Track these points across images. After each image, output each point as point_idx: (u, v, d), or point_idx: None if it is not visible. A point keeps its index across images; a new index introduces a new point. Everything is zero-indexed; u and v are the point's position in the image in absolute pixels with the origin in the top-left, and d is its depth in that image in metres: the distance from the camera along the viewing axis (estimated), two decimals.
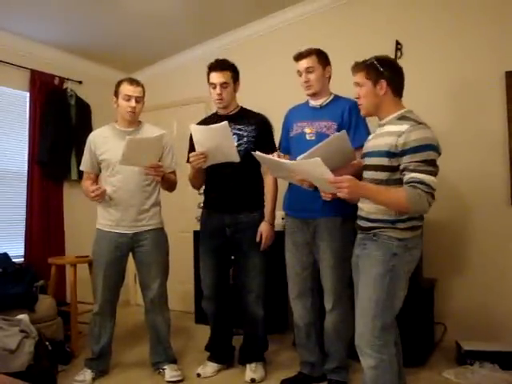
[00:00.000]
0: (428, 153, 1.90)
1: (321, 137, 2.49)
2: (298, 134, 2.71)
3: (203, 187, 3.10)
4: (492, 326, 3.28)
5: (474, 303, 3.38)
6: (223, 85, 2.85)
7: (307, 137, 2.64)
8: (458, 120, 3.49)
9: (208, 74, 2.90)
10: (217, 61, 2.91)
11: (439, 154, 1.98)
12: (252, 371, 2.92)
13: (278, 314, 3.91)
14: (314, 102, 2.74)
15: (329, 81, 2.74)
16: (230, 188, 2.89)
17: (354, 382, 2.79)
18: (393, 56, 3.63)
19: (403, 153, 1.92)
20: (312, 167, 2.03)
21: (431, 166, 1.90)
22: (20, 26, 3.94)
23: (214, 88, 2.87)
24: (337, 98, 2.72)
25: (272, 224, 2.92)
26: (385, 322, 1.98)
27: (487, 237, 3.37)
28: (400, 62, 3.51)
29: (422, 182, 1.87)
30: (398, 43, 3.69)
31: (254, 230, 2.88)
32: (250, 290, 2.93)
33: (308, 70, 2.63)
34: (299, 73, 2.68)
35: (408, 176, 1.90)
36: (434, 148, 1.93)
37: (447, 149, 3.21)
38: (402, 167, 1.94)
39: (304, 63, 2.64)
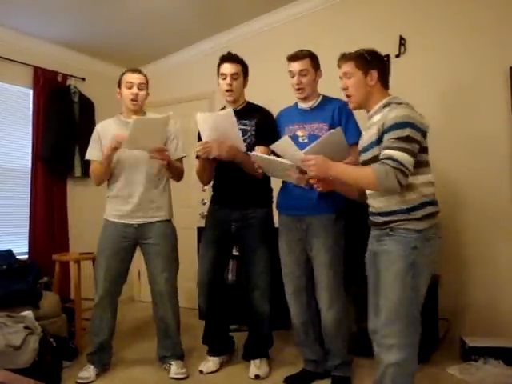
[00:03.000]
0: (403, 130, 1.86)
1: (313, 138, 2.48)
2: (290, 138, 2.70)
3: (211, 183, 3.09)
4: (496, 322, 3.28)
5: (478, 299, 3.37)
6: (234, 75, 2.85)
7: (300, 139, 2.65)
8: (460, 116, 3.47)
9: (219, 66, 2.90)
10: (229, 53, 2.92)
11: (421, 132, 1.92)
12: (256, 367, 2.93)
13: (282, 310, 3.89)
14: (303, 105, 2.75)
15: (317, 84, 2.75)
16: (238, 183, 2.88)
17: (357, 377, 2.79)
18: (396, 52, 3.62)
19: (383, 133, 1.93)
20: (283, 147, 2.15)
21: (405, 143, 1.85)
22: (23, 23, 3.94)
23: (224, 79, 2.86)
24: (326, 98, 2.74)
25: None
26: (410, 319, 1.94)
27: (491, 234, 3.36)
28: (404, 57, 3.60)
29: (390, 158, 1.84)
30: (401, 38, 3.67)
31: (261, 225, 2.89)
32: (256, 286, 2.93)
33: (302, 73, 2.64)
34: (291, 74, 2.68)
35: (381, 154, 1.90)
36: (412, 125, 1.88)
37: (449, 146, 3.23)
38: (382, 148, 1.94)
39: (298, 66, 2.64)
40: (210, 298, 3.03)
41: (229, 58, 2.88)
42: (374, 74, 2.07)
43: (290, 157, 2.20)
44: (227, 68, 2.85)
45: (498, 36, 3.34)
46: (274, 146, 2.27)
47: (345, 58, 2.14)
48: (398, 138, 1.86)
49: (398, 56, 3.59)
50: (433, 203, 1.99)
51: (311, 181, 2.22)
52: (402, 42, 3.67)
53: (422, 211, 1.94)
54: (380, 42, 3.53)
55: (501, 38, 3.33)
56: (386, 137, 1.90)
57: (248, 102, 3.00)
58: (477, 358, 2.92)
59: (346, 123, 2.60)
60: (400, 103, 1.98)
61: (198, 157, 2.97)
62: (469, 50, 3.45)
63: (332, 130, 2.25)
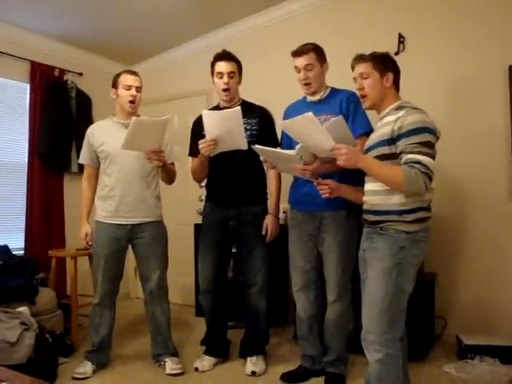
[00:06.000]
0: (424, 135, 1.91)
1: None
2: None
3: (205, 181, 3.08)
4: (492, 320, 3.28)
5: (474, 297, 3.38)
6: (230, 74, 2.83)
7: None
8: (459, 114, 3.47)
9: (213, 64, 2.88)
10: (224, 51, 2.90)
11: (437, 137, 1.98)
12: (253, 364, 2.92)
13: (278, 307, 3.91)
14: (311, 98, 2.73)
15: (324, 76, 2.73)
16: (233, 181, 2.87)
17: (352, 375, 2.80)
18: (395, 49, 3.61)
19: (400, 137, 1.94)
20: (306, 124, 2.08)
21: (428, 148, 1.90)
22: (20, 18, 3.91)
23: (221, 77, 2.84)
24: (333, 90, 2.73)
25: (277, 216, 2.93)
26: (392, 316, 1.97)
27: (488, 232, 3.36)
28: (403, 55, 3.60)
29: (418, 162, 1.87)
30: (400, 36, 3.66)
31: (258, 223, 2.88)
32: (254, 283, 2.93)
33: (307, 68, 2.62)
34: (297, 69, 2.66)
35: (405, 158, 1.91)
36: (430, 131, 1.94)
37: (449, 143, 3.22)
38: (399, 150, 1.95)
39: (303, 60, 2.62)
40: (214, 303, 3.03)
41: (224, 56, 2.86)
42: (390, 76, 2.09)
43: (312, 136, 2.12)
44: (223, 66, 2.83)
45: (497, 35, 3.33)
46: (293, 121, 2.20)
47: (361, 58, 2.14)
48: (422, 143, 1.89)
49: (397, 54, 3.57)
50: (426, 209, 2.02)
51: (320, 187, 2.27)
52: (401, 39, 3.66)
53: (414, 215, 1.97)
54: (379, 40, 3.56)
55: (500, 37, 3.32)
56: (407, 141, 1.91)
57: (243, 100, 2.98)
58: (473, 356, 2.92)
59: (355, 113, 2.58)
60: (416, 108, 2.00)
61: (191, 155, 2.96)
62: (468, 49, 3.44)
63: (333, 119, 2.23)
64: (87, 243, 3.01)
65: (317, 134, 2.07)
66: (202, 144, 2.64)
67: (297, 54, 2.64)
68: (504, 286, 3.28)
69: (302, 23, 4.11)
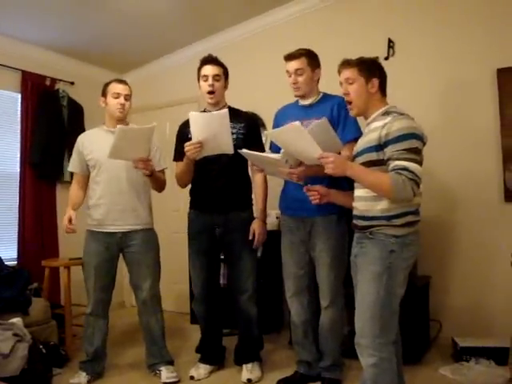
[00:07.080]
0: (411, 141, 1.91)
1: None
2: None
3: (189, 187, 3.06)
4: (487, 322, 3.29)
5: (468, 300, 3.39)
6: (215, 77, 2.84)
7: None
8: (450, 118, 3.49)
9: (199, 69, 2.89)
10: (210, 55, 2.92)
11: (424, 143, 1.99)
12: (248, 371, 2.91)
13: (273, 313, 3.91)
14: (302, 102, 2.75)
15: (317, 82, 2.75)
16: (218, 187, 2.86)
17: (348, 380, 2.79)
18: (385, 54, 3.64)
19: (387, 143, 1.94)
20: (293, 133, 2.10)
21: (414, 154, 1.91)
22: (11, 27, 3.91)
23: (206, 80, 2.85)
24: (325, 96, 2.75)
25: (264, 221, 2.92)
26: (384, 320, 1.97)
27: (481, 234, 3.37)
28: (392, 59, 3.62)
29: (405, 169, 1.88)
30: (390, 41, 3.69)
31: (244, 229, 2.87)
32: (244, 290, 2.92)
33: (297, 72, 2.64)
34: (288, 73, 2.69)
35: (392, 164, 1.92)
36: (417, 136, 1.94)
37: (440, 147, 3.25)
38: (386, 157, 1.95)
39: (294, 65, 2.64)
40: (207, 310, 3.02)
41: (210, 60, 2.88)
42: (376, 81, 2.09)
43: (306, 151, 2.14)
44: (209, 70, 2.85)
45: (485, 38, 3.36)
46: (281, 130, 2.23)
47: (347, 64, 2.15)
48: (409, 150, 1.90)
49: (386, 58, 3.61)
50: (415, 213, 2.03)
51: (309, 193, 2.31)
52: (391, 44, 3.69)
53: (402, 219, 1.98)
54: (369, 45, 3.58)
55: (488, 40, 3.35)
56: (394, 147, 1.92)
57: (229, 106, 2.96)
58: (468, 359, 2.93)
59: (345, 119, 2.59)
60: (402, 114, 2.01)
61: (176, 159, 2.96)
62: (456, 53, 3.47)
63: (316, 121, 2.24)
64: (70, 230, 2.88)
65: (304, 142, 2.08)
66: (188, 146, 2.63)
67: (288, 58, 2.67)
68: (497, 287, 3.30)
69: (291, 30, 4.14)
